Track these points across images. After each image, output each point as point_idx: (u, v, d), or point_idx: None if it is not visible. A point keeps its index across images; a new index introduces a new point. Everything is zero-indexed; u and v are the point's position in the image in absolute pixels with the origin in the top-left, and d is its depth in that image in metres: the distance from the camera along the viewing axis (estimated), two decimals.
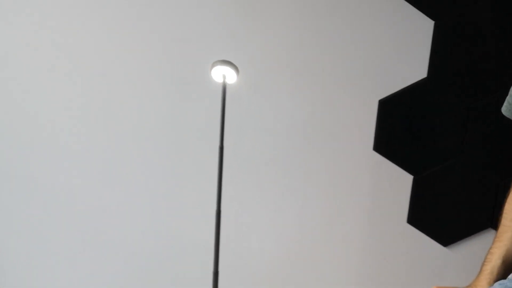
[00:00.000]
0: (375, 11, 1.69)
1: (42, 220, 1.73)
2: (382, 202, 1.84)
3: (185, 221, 1.79)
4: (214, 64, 1.25)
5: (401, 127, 1.77)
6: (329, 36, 1.69)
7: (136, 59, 1.64)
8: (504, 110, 1.00)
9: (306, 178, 1.81)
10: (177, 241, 1.80)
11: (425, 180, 1.82)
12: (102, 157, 1.71)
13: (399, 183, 1.83)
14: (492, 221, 1.81)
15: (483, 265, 1.01)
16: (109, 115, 1.68)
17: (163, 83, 1.66)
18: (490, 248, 1.01)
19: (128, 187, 1.74)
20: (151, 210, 1.77)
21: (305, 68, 1.71)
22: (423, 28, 1.70)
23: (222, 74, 1.27)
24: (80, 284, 1.80)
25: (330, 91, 1.73)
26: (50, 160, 1.69)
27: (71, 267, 1.78)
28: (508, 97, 1.00)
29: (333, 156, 1.79)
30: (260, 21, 1.66)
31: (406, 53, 1.71)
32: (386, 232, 1.85)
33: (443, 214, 1.86)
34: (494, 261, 0.98)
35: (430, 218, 1.86)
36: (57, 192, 1.72)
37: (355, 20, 1.68)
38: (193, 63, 1.64)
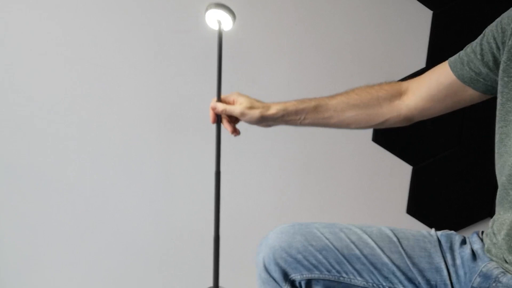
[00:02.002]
0: (373, 1, 1.68)
1: (40, 215, 1.73)
2: (382, 192, 1.85)
3: (183, 206, 1.79)
4: (208, 7, 1.09)
5: None
6: (327, 28, 1.69)
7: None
8: (451, 61, 1.05)
9: (305, 169, 1.81)
10: (175, 226, 1.80)
11: (424, 170, 1.82)
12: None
13: (398, 173, 1.83)
14: (490, 211, 1.82)
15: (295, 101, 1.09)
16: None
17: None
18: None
19: (125, 171, 1.74)
20: (149, 192, 1.77)
21: (303, 59, 1.70)
22: (421, 18, 1.70)
23: (217, 20, 1.10)
24: (81, 278, 1.80)
25: (328, 83, 1.73)
26: (48, 154, 1.69)
27: (71, 260, 1.78)
28: (461, 51, 1.04)
29: (332, 147, 1.79)
30: (253, 18, 1.65)
31: (404, 44, 1.71)
32: (386, 223, 1.85)
33: (442, 204, 1.86)
34: (290, 103, 1.08)
35: (429, 208, 1.86)
36: (56, 186, 1.72)
37: (353, 11, 1.68)
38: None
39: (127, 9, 1.60)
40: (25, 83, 1.62)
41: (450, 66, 1.04)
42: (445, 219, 1.86)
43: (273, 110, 1.06)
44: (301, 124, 1.10)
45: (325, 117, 1.11)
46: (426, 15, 1.69)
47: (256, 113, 1.05)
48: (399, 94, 1.11)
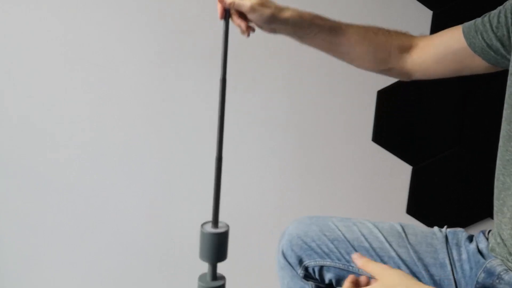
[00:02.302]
0: (373, 1, 1.68)
1: (40, 216, 1.73)
2: (381, 192, 1.85)
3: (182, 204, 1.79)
4: None
5: (400, 117, 1.78)
6: None
7: None
8: (466, 26, 1.01)
9: (304, 169, 1.81)
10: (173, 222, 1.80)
11: (424, 170, 1.82)
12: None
13: (398, 173, 1.83)
14: (490, 212, 1.82)
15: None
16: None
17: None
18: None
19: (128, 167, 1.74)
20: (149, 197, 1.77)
21: (303, 59, 1.70)
22: (421, 18, 1.69)
23: None
24: (81, 278, 1.80)
25: (328, 82, 1.73)
26: (47, 154, 1.69)
27: (71, 260, 1.78)
28: (478, 18, 1.01)
29: (332, 147, 1.79)
30: None
31: None
32: None
33: (442, 204, 1.86)
34: (299, 12, 1.00)
35: (429, 208, 1.86)
36: (56, 186, 1.72)
37: (353, 11, 1.68)
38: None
39: (128, 9, 1.60)
40: (25, 82, 1.62)
41: (463, 32, 1.01)
42: (445, 219, 1.86)
43: (287, 14, 0.97)
44: (308, 40, 1.04)
45: (335, 43, 1.05)
46: (426, 15, 1.69)
47: (267, 12, 0.95)
48: (409, 48, 1.08)
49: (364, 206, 1.85)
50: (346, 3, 1.67)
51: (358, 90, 1.74)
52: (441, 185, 1.84)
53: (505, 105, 0.93)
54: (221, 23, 0.98)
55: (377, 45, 1.07)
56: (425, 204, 1.86)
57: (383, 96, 1.74)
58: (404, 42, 1.08)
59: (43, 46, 1.59)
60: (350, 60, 1.10)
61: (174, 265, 1.82)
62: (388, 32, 1.09)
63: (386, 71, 1.11)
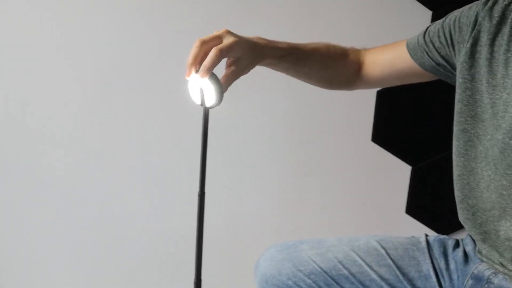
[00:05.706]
0: (373, 1, 1.68)
1: (40, 217, 1.73)
2: (381, 192, 1.85)
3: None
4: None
5: (400, 117, 1.78)
6: (327, 27, 1.69)
7: None
8: (410, 48, 1.04)
9: (304, 169, 1.81)
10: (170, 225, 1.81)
11: (424, 170, 1.82)
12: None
13: (397, 173, 1.83)
14: None
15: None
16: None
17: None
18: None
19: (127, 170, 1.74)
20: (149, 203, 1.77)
21: None
22: (421, 18, 1.70)
23: (200, 88, 0.94)
24: (81, 278, 1.80)
25: None
26: (47, 154, 1.69)
27: (71, 261, 1.78)
28: (420, 38, 1.04)
29: (332, 147, 1.79)
30: (254, 17, 1.65)
31: None
32: (385, 223, 1.86)
33: (442, 204, 1.86)
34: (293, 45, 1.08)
35: (428, 208, 1.86)
36: (56, 187, 1.72)
37: (353, 11, 1.68)
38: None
39: (129, 10, 1.60)
40: (24, 83, 1.62)
41: (410, 52, 1.04)
42: (444, 219, 1.86)
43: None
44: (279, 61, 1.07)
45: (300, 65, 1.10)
46: (425, 15, 1.69)
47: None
48: (360, 66, 1.13)
49: (364, 206, 1.85)
50: (346, 3, 1.67)
51: (358, 90, 1.73)
52: (440, 185, 1.84)
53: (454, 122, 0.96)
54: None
55: (335, 70, 1.14)
56: (425, 204, 1.86)
57: (383, 96, 1.74)
58: (356, 59, 1.13)
59: (44, 47, 1.59)
60: (309, 79, 1.17)
61: (174, 265, 1.82)
62: (342, 54, 1.13)
63: (335, 86, 1.18)
